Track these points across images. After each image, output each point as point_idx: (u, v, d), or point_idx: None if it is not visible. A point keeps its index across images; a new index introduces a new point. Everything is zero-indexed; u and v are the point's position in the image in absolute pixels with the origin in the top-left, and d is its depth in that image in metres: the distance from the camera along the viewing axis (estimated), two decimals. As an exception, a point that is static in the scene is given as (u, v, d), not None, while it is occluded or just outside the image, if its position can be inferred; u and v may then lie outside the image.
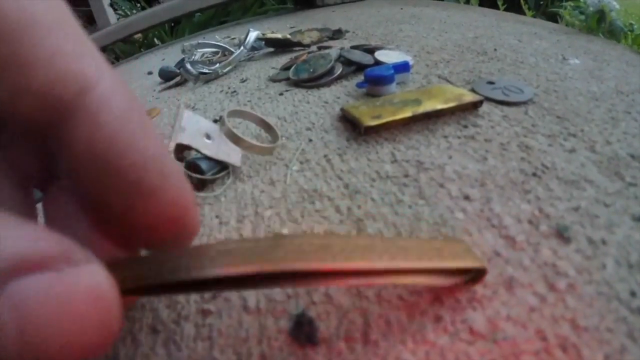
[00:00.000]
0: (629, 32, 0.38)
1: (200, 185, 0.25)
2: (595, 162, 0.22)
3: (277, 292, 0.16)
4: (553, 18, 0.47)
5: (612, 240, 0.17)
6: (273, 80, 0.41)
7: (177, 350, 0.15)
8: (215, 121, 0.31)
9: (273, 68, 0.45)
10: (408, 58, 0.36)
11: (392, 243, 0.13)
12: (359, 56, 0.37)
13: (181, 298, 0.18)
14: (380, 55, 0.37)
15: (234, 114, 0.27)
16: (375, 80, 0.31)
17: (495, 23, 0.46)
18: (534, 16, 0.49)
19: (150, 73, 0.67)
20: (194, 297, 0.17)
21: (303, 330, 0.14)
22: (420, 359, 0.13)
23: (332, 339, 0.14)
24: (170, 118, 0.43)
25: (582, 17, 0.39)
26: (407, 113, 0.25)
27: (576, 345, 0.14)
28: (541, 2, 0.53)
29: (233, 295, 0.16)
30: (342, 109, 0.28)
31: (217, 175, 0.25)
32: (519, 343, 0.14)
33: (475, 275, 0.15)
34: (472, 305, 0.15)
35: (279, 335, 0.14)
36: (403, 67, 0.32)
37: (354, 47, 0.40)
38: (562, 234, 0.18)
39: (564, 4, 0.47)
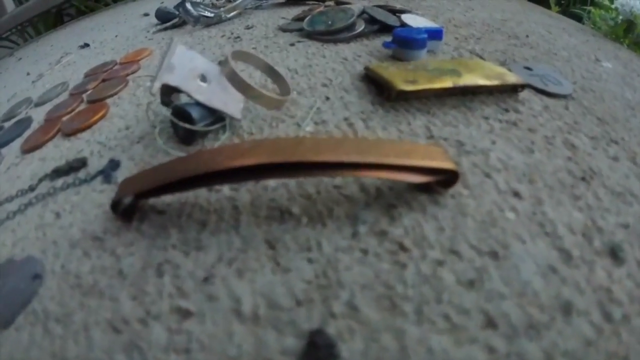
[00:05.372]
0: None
1: (189, 137, 0.18)
2: (638, 176, 0.17)
3: (282, 295, 0.10)
4: (574, 19, 0.41)
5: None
6: (283, 29, 0.32)
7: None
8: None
9: (283, 18, 0.36)
10: (436, 26, 0.29)
11: (371, 142, 0.14)
12: (383, 15, 0.29)
13: (151, 289, 0.12)
14: (407, 18, 0.29)
15: (238, 56, 0.19)
16: (405, 42, 0.23)
17: (522, 10, 0.39)
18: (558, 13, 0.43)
19: (146, 14, 0.55)
20: (169, 289, 0.11)
21: (318, 356, 0.09)
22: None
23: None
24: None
25: (612, 22, 0.34)
26: (446, 83, 0.19)
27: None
28: (562, 2, 0.47)
29: (221, 292, 0.10)
30: (366, 68, 0.21)
31: (211, 128, 0.17)
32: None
33: (448, 178, 0.14)
34: (528, 333, 0.11)
35: (285, 358, 0.09)
36: (436, 34, 0.25)
37: (377, 7, 0.32)
38: (616, 254, 0.14)
39: (587, 7, 0.41)
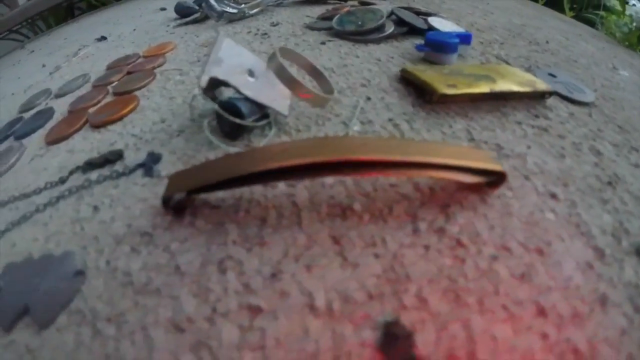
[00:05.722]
0: (666, 54, 0.35)
1: (236, 132, 0.18)
2: (656, 181, 0.19)
3: (354, 289, 0.11)
4: (586, 23, 0.42)
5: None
6: (311, 28, 0.32)
7: (212, 359, 0.10)
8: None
9: (308, 16, 0.36)
10: (461, 30, 0.29)
11: (427, 144, 0.15)
12: (411, 18, 0.30)
13: (215, 286, 0.12)
14: (433, 21, 0.30)
15: (283, 53, 0.19)
16: (438, 45, 0.24)
17: (538, 15, 0.40)
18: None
19: (163, 9, 0.54)
20: (235, 286, 0.12)
21: (397, 346, 0.09)
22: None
23: (432, 358, 0.10)
24: (188, 54, 0.33)
25: (626, 29, 0.35)
26: (484, 88, 0.20)
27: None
28: (574, 5, 0.47)
29: (293, 289, 0.11)
30: (404, 71, 0.22)
31: (258, 123, 0.18)
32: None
33: (496, 179, 0.15)
34: (573, 322, 0.12)
35: (363, 351, 0.10)
36: (466, 38, 0.26)
37: (403, 8, 0.32)
38: (640, 254, 0.15)
39: (599, 12, 0.42)
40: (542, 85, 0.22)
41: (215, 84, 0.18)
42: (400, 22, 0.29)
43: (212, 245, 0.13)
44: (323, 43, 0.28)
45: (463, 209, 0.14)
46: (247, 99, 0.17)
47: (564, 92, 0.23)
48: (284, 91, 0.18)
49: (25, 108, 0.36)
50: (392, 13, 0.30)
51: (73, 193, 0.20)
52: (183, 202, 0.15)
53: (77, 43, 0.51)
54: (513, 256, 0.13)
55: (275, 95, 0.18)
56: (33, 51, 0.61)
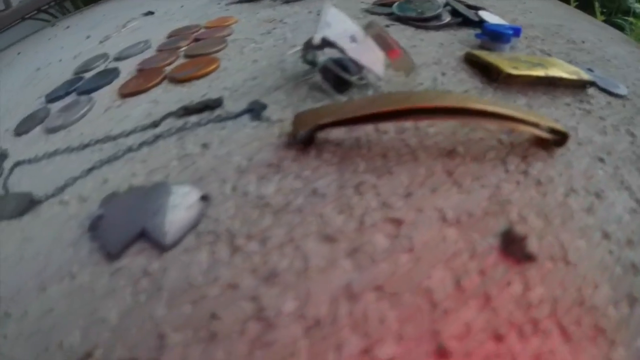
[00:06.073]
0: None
1: (339, 87, 0.21)
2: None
3: (473, 207, 0.14)
4: (616, 28, 0.45)
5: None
6: (369, 12, 0.35)
7: (371, 262, 0.12)
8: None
9: (362, 2, 0.39)
10: (507, 24, 0.32)
11: (511, 105, 0.20)
12: (464, 10, 0.33)
13: (357, 204, 0.14)
14: (484, 14, 0.33)
15: (372, 25, 0.22)
16: (495, 35, 0.27)
17: (571, 17, 0.43)
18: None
19: None
20: (374, 204, 0.14)
21: (516, 246, 0.13)
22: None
23: (538, 257, 0.13)
24: (254, 27, 0.35)
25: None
26: (540, 72, 0.23)
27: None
28: (604, 10, 0.51)
29: (426, 204, 0.14)
30: (469, 53, 0.25)
31: (361, 82, 0.21)
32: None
33: (560, 139, 0.18)
34: (628, 245, 0.15)
35: (490, 251, 0.13)
36: (517, 32, 0.29)
37: (456, 1, 0.35)
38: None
39: (629, 18, 0.45)
40: (585, 75, 0.25)
41: (323, 44, 0.21)
42: (454, 12, 0.32)
43: (344, 172, 0.15)
44: (387, 26, 0.31)
45: (537, 160, 0.17)
46: (350, 60, 0.20)
47: (602, 85, 0.27)
48: (380, 57, 0.21)
49: (83, 69, 0.38)
50: (447, 4, 0.33)
51: (173, 133, 0.21)
52: (310, 136, 0.16)
53: (118, 18, 0.53)
54: (579, 196, 0.16)
55: (373, 59, 0.21)
56: (69, 27, 0.62)
